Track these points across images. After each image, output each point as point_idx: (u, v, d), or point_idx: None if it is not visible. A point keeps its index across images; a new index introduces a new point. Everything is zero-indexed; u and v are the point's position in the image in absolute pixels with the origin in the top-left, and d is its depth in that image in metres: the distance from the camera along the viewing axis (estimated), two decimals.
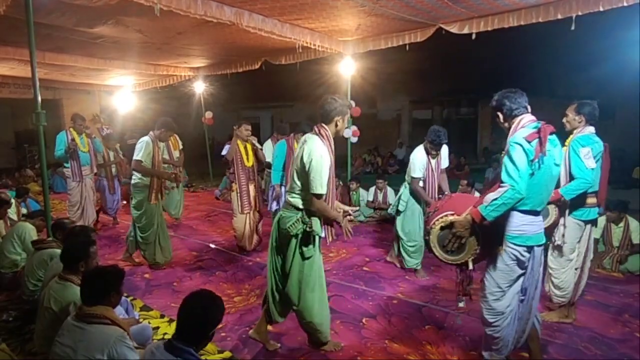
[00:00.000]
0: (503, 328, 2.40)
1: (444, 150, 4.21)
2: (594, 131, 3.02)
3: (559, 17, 4.02)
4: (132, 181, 4.48)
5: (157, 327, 3.21)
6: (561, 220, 3.10)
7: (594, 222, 3.16)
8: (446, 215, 2.40)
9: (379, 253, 5.04)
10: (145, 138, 4.45)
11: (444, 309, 3.49)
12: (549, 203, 2.88)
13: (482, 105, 15.58)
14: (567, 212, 3.06)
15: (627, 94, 8.47)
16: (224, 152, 5.00)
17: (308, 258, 2.66)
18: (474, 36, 4.63)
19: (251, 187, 4.96)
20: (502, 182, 2.21)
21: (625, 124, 10.24)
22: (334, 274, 4.35)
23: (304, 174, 2.55)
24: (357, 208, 2.85)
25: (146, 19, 4.44)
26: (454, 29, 4.73)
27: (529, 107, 2.35)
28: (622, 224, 4.55)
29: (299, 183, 2.62)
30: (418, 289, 3.99)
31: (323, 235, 2.73)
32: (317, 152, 2.51)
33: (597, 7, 3.79)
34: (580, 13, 3.90)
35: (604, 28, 6.45)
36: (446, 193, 4.06)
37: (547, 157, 2.21)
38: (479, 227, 2.30)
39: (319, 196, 2.53)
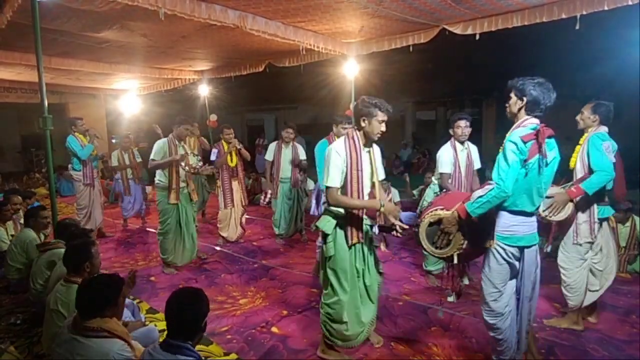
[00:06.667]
0: (505, 330, 2.41)
1: (475, 150, 4.11)
2: (607, 131, 3.03)
3: (563, 16, 3.99)
4: (155, 181, 4.61)
5: (163, 330, 3.22)
6: (583, 217, 3.02)
7: (607, 220, 3.18)
8: (436, 210, 2.45)
9: (384, 254, 5.03)
10: (163, 139, 4.61)
11: (449, 311, 3.48)
12: (572, 201, 2.92)
13: (486, 106, 15.50)
14: (594, 209, 3.01)
15: (633, 92, 8.41)
16: (212, 158, 5.47)
17: (329, 257, 2.68)
18: (477, 37, 4.62)
19: (234, 184, 5.48)
20: (491, 179, 2.23)
21: (632, 123, 10.15)
22: None
23: None
24: (406, 226, 2.61)
25: (151, 23, 4.47)
26: (457, 29, 4.72)
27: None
28: (628, 224, 4.52)
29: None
30: (423, 290, 3.98)
31: (329, 232, 2.70)
32: (331, 147, 2.63)
33: (602, 6, 3.76)
34: (584, 12, 3.86)
35: (609, 27, 6.41)
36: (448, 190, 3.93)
37: (542, 159, 2.20)
38: (466, 223, 2.31)
39: (328, 188, 2.59)
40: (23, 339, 3.13)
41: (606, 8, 3.73)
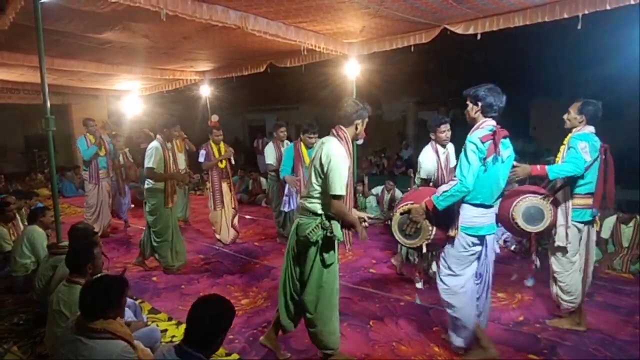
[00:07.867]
0: (461, 309, 2.64)
1: (452, 149, 4.08)
2: (594, 131, 3.00)
3: (565, 16, 3.98)
4: (146, 186, 4.48)
5: (165, 330, 3.23)
6: (561, 220, 3.03)
7: (590, 223, 3.12)
8: (406, 204, 2.77)
9: (386, 255, 5.03)
10: (154, 144, 4.42)
11: None
12: (532, 178, 3.12)
13: None
14: (569, 213, 3.01)
15: (635, 92, 8.38)
16: (201, 159, 5.46)
17: (329, 265, 2.57)
18: (479, 36, 4.61)
19: (224, 186, 5.46)
20: (455, 176, 2.53)
21: (634, 123, 10.11)
22: (340, 276, 4.31)
23: (323, 176, 2.47)
24: (372, 215, 2.85)
25: (152, 24, 4.48)
26: (459, 29, 4.71)
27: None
28: (632, 224, 4.50)
29: (317, 186, 2.53)
30: (425, 290, 3.97)
31: (342, 239, 2.63)
32: (335, 152, 2.44)
33: (604, 5, 3.75)
34: (586, 12, 3.85)
35: (611, 26, 6.39)
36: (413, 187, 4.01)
37: (497, 157, 2.48)
38: (434, 215, 2.61)
39: (338, 197, 2.43)
40: (26, 339, 3.14)
41: (608, 7, 3.72)
